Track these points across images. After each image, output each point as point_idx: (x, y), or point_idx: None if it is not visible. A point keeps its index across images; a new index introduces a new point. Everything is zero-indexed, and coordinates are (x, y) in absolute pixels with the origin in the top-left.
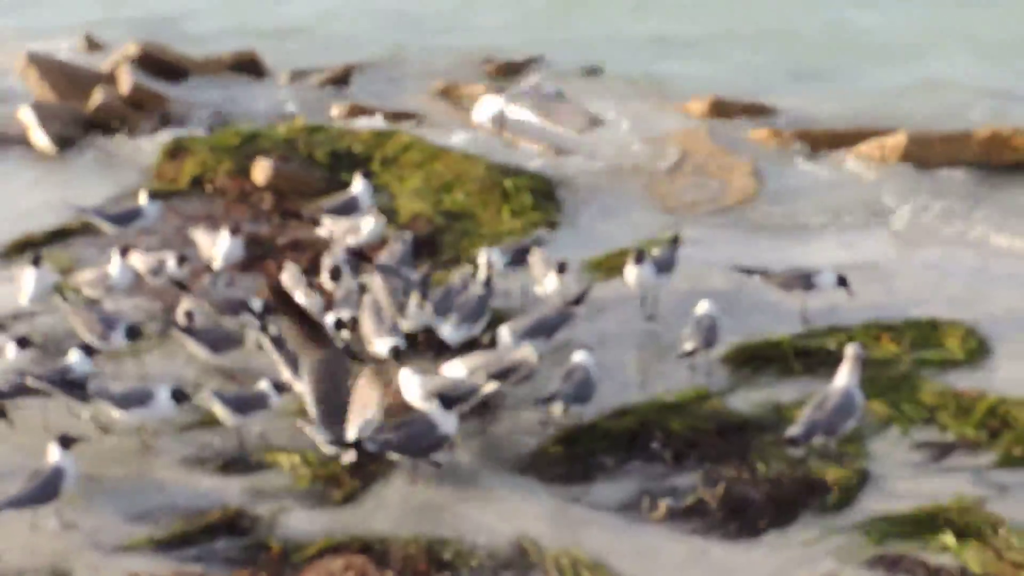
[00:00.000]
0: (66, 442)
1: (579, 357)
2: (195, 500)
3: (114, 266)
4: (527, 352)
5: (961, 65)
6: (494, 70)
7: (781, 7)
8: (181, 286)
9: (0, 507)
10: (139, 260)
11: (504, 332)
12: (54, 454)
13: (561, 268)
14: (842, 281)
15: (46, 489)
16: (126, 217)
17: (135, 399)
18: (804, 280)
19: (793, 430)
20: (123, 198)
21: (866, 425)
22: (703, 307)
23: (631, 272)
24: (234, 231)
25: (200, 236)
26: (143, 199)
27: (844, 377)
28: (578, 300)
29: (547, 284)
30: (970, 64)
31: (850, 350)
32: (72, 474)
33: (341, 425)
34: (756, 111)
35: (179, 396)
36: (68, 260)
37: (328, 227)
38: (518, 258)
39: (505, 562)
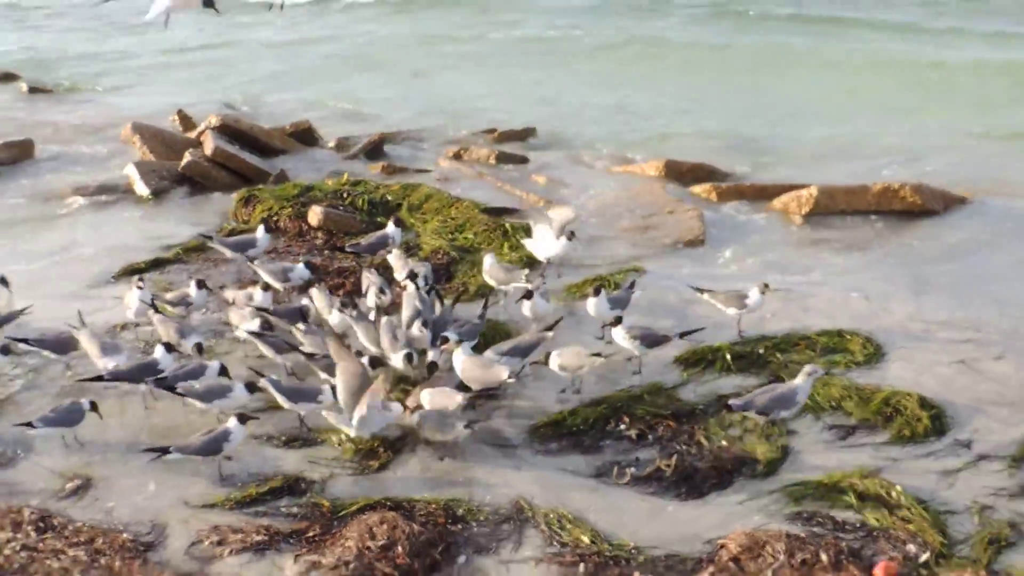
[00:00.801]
0: (243, 419)
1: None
2: (263, 468)
3: (192, 289)
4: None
5: (879, 130)
6: (497, 137)
7: (723, 90)
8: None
9: (175, 451)
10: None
11: (489, 352)
12: (231, 422)
13: (528, 295)
14: (764, 289)
15: (214, 445)
16: (243, 245)
17: (216, 393)
18: (739, 300)
19: (734, 401)
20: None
21: None
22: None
23: (590, 303)
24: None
25: (261, 267)
26: (260, 231)
27: (797, 381)
28: (551, 328)
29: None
30: (888, 130)
31: (807, 368)
32: (236, 440)
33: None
34: (701, 170)
35: (251, 388)
36: (164, 283)
37: (394, 259)
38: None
39: (506, 517)
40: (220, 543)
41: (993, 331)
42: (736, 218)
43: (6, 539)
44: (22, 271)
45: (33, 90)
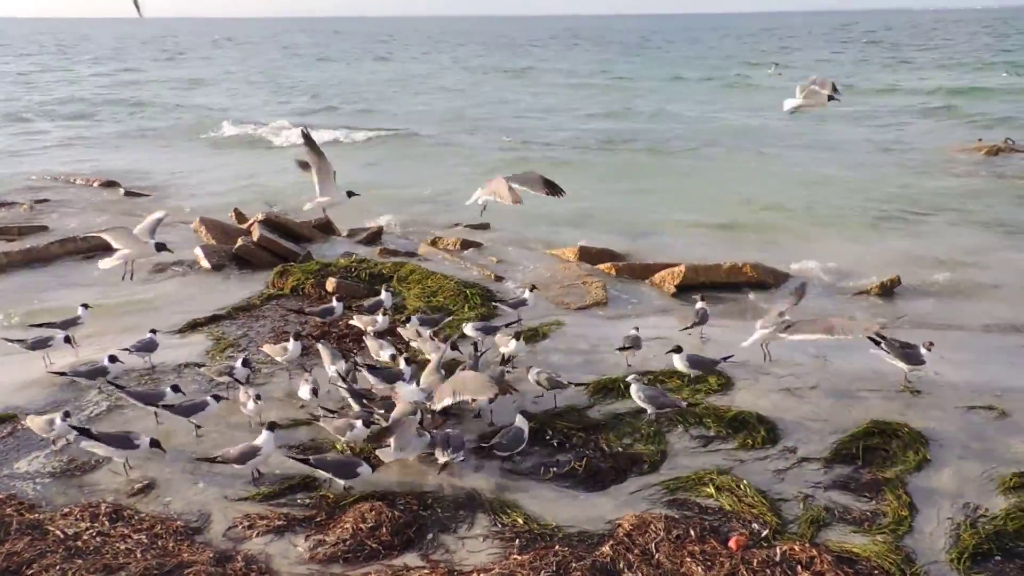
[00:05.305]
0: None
1: None
2: (285, 470)
3: (237, 366)
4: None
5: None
6: (464, 228)
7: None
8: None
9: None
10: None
11: None
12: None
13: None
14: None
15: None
16: (326, 312)
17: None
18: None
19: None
20: (252, 299)
21: (665, 425)
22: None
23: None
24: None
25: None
26: (334, 301)
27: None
28: (506, 361)
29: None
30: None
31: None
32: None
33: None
34: (605, 253)
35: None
36: (219, 332)
37: (362, 320)
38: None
39: (463, 504)
40: (250, 527)
41: (809, 368)
42: (627, 286)
43: (85, 527)
44: (116, 321)
45: (129, 193)
